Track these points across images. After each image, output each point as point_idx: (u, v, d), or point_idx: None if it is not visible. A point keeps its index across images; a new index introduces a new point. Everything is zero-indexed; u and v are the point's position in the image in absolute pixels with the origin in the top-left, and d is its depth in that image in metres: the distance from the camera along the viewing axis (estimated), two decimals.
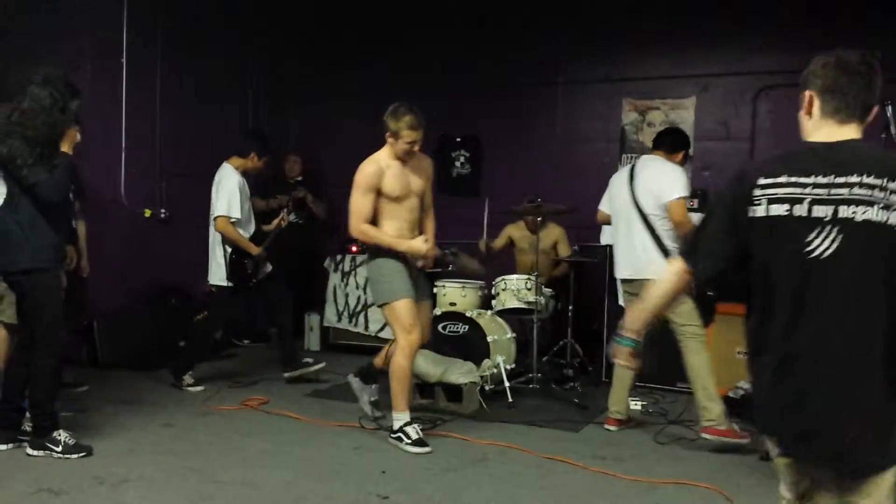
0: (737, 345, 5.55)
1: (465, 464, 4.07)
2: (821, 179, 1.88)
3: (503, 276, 5.83)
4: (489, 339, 5.33)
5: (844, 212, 1.84)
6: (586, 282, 6.25)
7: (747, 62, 6.43)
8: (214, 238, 5.56)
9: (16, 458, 3.89)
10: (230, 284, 5.50)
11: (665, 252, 4.45)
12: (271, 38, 7.76)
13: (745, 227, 1.95)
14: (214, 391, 5.38)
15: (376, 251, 4.38)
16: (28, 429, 4.01)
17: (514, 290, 5.69)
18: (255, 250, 5.51)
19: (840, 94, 1.96)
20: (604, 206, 4.98)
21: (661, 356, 4.96)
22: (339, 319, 7.03)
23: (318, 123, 7.99)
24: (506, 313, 5.77)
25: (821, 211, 1.86)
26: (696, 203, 5.81)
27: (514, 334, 5.68)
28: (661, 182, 4.51)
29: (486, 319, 5.53)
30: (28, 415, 4.02)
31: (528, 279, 5.68)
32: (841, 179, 1.86)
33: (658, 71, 6.75)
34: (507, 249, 6.61)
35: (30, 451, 3.92)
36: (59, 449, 3.90)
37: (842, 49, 1.99)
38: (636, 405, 5.07)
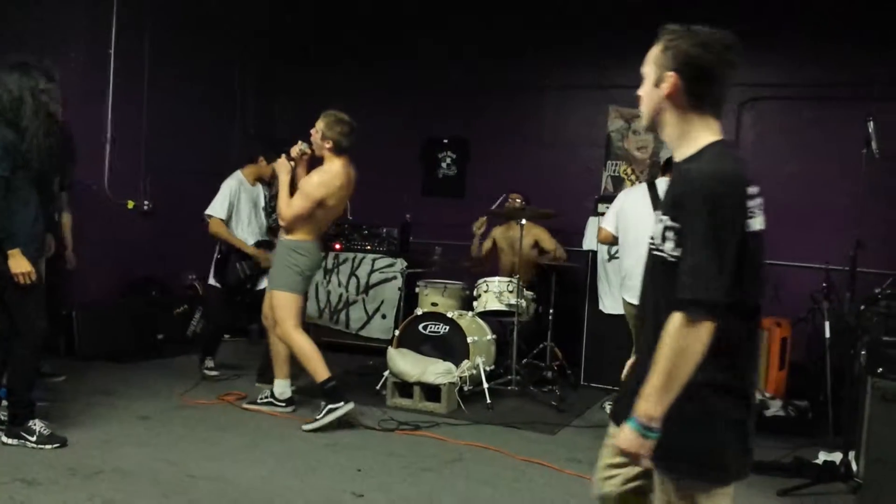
0: None
1: (441, 464, 4.08)
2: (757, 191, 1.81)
3: (485, 278, 5.85)
4: (469, 340, 5.35)
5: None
6: (567, 286, 6.28)
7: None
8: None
9: None
10: (218, 285, 5.57)
11: None
12: (260, 35, 7.75)
13: (741, 241, 1.74)
14: (192, 385, 5.37)
15: None
16: (3, 417, 3.99)
17: (496, 292, 5.71)
18: (250, 251, 5.53)
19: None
20: (609, 226, 4.72)
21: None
22: (321, 316, 7.02)
23: (305, 124, 7.96)
24: (487, 315, 5.79)
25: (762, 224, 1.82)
26: None
27: (494, 336, 5.70)
28: None
29: (466, 321, 5.55)
30: (4, 403, 4.00)
31: (510, 282, 5.70)
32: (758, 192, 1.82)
33: None
34: (494, 254, 6.64)
35: (4, 439, 3.89)
36: (34, 439, 3.87)
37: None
38: (608, 408, 5.10)
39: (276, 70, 8.07)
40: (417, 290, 6.11)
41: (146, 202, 6.61)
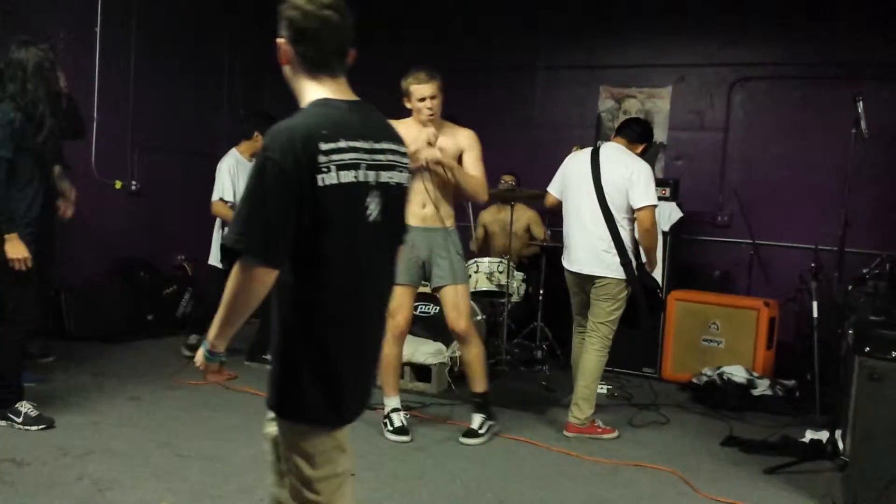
0: (701, 332, 5.64)
1: (431, 443, 4.10)
2: (365, 144, 1.92)
3: (476, 259, 5.85)
4: None
5: (383, 176, 1.94)
6: (557, 266, 6.28)
7: (723, 54, 6.46)
8: (217, 221, 5.54)
9: None
10: (222, 267, 5.47)
11: (622, 251, 4.26)
12: (249, 9, 7.66)
13: (309, 196, 1.81)
14: (183, 365, 5.36)
15: None
16: None
17: (487, 272, 5.71)
18: None
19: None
20: (554, 190, 4.64)
21: (629, 342, 5.04)
22: None
23: (293, 101, 7.91)
24: (477, 295, 5.79)
25: (371, 176, 1.92)
26: (667, 192, 5.85)
27: (484, 316, 5.70)
28: (631, 184, 4.23)
29: None
30: None
31: (501, 262, 5.70)
32: (377, 146, 1.95)
33: (636, 59, 6.76)
34: (486, 237, 6.62)
35: None
36: (20, 420, 3.87)
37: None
38: (601, 389, 5.13)
39: (265, 46, 7.96)
40: None
41: (134, 182, 6.56)
